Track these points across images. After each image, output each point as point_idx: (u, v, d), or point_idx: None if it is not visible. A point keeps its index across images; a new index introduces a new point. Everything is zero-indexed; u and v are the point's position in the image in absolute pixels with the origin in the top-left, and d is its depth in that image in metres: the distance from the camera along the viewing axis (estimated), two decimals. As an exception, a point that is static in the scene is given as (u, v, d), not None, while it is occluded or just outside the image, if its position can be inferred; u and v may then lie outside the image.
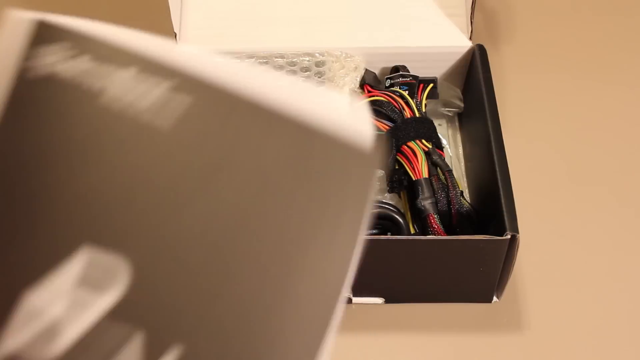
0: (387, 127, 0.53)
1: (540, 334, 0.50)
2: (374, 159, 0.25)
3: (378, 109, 0.54)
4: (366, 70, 0.57)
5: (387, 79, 0.57)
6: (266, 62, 0.56)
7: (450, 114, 0.61)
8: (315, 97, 0.25)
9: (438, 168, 0.51)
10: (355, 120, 0.25)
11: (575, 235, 0.55)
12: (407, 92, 0.55)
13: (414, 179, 0.50)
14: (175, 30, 0.58)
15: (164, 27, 0.58)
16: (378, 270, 0.49)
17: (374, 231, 0.50)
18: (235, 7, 0.60)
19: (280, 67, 0.56)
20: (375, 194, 0.51)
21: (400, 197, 0.52)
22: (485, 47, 0.57)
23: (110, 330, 0.21)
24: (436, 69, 0.59)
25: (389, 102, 0.54)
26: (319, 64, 0.56)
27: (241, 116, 0.24)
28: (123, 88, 0.24)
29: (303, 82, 0.37)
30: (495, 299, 0.51)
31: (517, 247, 0.46)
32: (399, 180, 0.51)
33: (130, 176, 0.23)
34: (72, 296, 0.22)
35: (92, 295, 0.22)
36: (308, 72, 0.56)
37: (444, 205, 0.49)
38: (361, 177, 0.25)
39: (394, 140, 0.52)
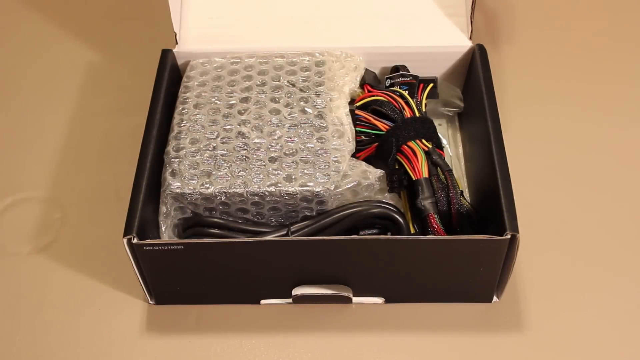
0: (387, 127, 0.53)
1: (540, 334, 0.50)
2: None
3: (378, 108, 0.54)
4: (366, 70, 0.57)
5: (387, 78, 0.57)
6: (266, 62, 0.56)
7: (450, 114, 0.61)
8: None
9: (438, 168, 0.51)
10: None
11: (575, 235, 0.55)
12: (407, 91, 0.55)
13: (414, 178, 0.50)
14: (175, 30, 0.58)
15: (164, 27, 0.58)
16: (378, 270, 0.49)
17: (374, 231, 0.50)
18: (235, 7, 0.60)
19: (280, 67, 0.56)
20: (376, 194, 0.51)
21: (400, 197, 0.52)
22: (485, 47, 0.57)
23: None
24: (436, 69, 0.59)
25: (389, 102, 0.54)
26: (319, 63, 0.56)
27: None
28: None
29: None
30: (495, 299, 0.51)
31: (517, 247, 0.46)
32: (399, 180, 0.51)
33: None
34: None
35: None
36: (308, 72, 0.56)
37: (444, 205, 0.49)
38: None
39: (394, 140, 0.52)
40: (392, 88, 0.56)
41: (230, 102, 0.54)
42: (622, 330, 0.50)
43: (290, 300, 0.51)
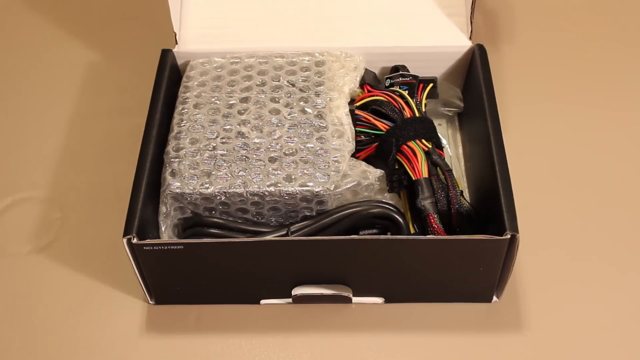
0: (387, 127, 0.53)
1: (540, 334, 0.50)
2: None
3: (378, 108, 0.54)
4: (366, 70, 0.57)
5: (387, 78, 0.57)
6: (266, 62, 0.56)
7: (450, 114, 0.61)
8: None
9: (438, 168, 0.51)
10: None
11: (575, 235, 0.55)
12: (407, 91, 0.55)
13: (414, 178, 0.50)
14: (175, 30, 0.58)
15: (164, 27, 0.58)
16: (378, 270, 0.49)
17: (374, 231, 0.50)
18: (235, 7, 0.60)
19: (280, 67, 0.56)
20: (376, 194, 0.51)
21: (400, 197, 0.52)
22: (485, 47, 0.57)
23: None
24: (436, 69, 0.59)
25: (388, 102, 0.54)
26: (319, 63, 0.56)
27: None
28: None
29: None
30: (495, 299, 0.51)
31: (517, 247, 0.46)
32: (399, 180, 0.51)
33: None
34: None
35: None
36: (308, 72, 0.56)
37: (443, 205, 0.49)
38: None
39: (393, 140, 0.52)
40: (392, 88, 0.56)
41: (230, 102, 0.54)
42: (622, 330, 0.50)
43: (290, 300, 0.51)
